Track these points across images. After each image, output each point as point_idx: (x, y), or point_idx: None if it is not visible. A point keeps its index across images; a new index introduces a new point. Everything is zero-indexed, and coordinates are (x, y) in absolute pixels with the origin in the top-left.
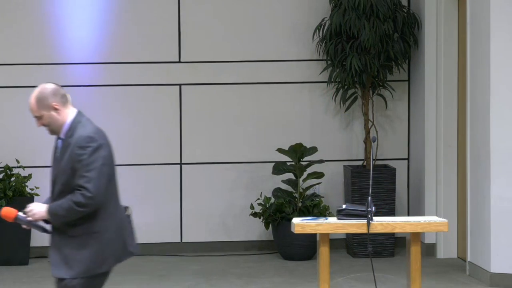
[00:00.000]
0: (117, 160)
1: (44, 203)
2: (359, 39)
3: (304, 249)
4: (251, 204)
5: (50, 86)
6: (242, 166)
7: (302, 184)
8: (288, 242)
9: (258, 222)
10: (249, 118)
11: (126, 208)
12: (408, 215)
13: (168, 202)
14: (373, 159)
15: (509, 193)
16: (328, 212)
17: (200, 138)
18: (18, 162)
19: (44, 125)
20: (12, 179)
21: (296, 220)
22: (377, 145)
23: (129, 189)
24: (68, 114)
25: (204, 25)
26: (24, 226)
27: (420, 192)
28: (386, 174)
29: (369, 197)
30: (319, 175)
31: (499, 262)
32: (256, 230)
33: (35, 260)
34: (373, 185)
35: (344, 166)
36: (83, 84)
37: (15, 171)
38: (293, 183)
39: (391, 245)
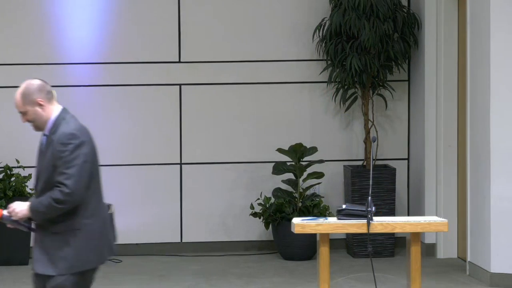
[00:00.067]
0: (118, 160)
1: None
2: (359, 39)
3: (304, 249)
4: (251, 204)
5: (36, 82)
6: (242, 166)
7: (302, 184)
8: (288, 242)
9: (258, 222)
10: (249, 118)
11: (109, 206)
12: (408, 215)
13: (168, 202)
14: (373, 159)
15: (509, 193)
16: (328, 212)
17: (200, 138)
18: (18, 162)
19: (28, 120)
20: (12, 179)
21: (296, 220)
22: (377, 145)
23: (129, 189)
24: (53, 110)
25: (204, 25)
26: (9, 226)
27: (420, 192)
28: (386, 174)
29: (369, 197)
30: (319, 175)
31: (499, 262)
32: (256, 230)
33: None
34: (373, 185)
35: (344, 166)
36: (83, 84)
37: (15, 171)
38: (293, 183)
39: (391, 245)
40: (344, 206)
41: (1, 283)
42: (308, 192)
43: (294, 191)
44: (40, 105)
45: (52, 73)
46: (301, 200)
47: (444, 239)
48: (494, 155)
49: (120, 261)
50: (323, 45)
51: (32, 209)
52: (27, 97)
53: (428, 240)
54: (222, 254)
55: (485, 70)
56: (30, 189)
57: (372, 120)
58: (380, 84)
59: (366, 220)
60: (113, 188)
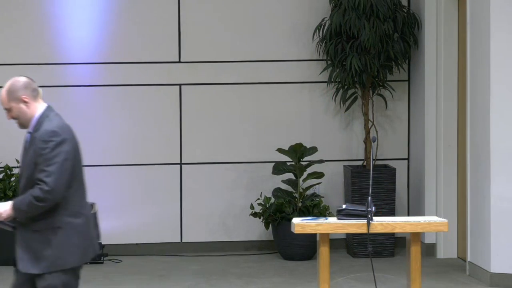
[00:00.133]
0: (118, 160)
1: None
2: (359, 39)
3: (304, 249)
4: (251, 204)
5: (22, 79)
6: (242, 166)
7: (302, 184)
8: (288, 242)
9: (258, 222)
10: (249, 118)
11: (92, 205)
12: (408, 215)
13: (168, 202)
14: (373, 159)
15: (509, 193)
16: (328, 212)
17: (200, 138)
18: (18, 162)
19: (13, 117)
20: (12, 179)
21: (296, 220)
22: (377, 145)
23: (129, 189)
24: (37, 108)
25: (204, 25)
26: None
27: (420, 192)
28: (386, 174)
29: (369, 197)
30: (319, 175)
31: (499, 262)
32: (256, 230)
33: None
34: (373, 185)
35: (344, 166)
36: (83, 84)
37: (15, 171)
38: (293, 183)
39: (391, 245)
40: (344, 206)
41: (1, 283)
42: (308, 192)
43: (294, 191)
44: (25, 102)
45: (52, 73)
46: (301, 200)
47: (444, 239)
48: (494, 155)
49: (120, 261)
50: (323, 45)
51: (15, 208)
52: (12, 94)
53: (428, 240)
54: (222, 254)
55: (485, 70)
56: None
57: (372, 120)
58: (380, 84)
59: (366, 220)
60: (113, 188)
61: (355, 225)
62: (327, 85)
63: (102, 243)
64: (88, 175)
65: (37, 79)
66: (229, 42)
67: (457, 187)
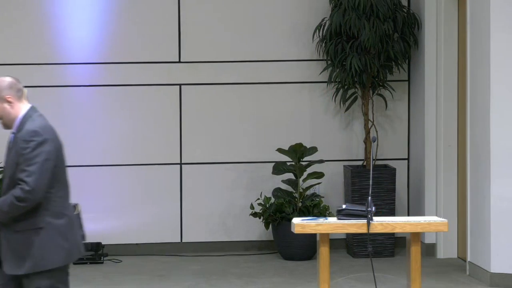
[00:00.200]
0: (118, 160)
1: None
2: (359, 39)
3: (304, 249)
4: (251, 204)
5: (7, 79)
6: (242, 166)
7: (302, 184)
8: (288, 242)
9: (258, 222)
10: (249, 118)
11: (75, 206)
12: (408, 215)
13: (168, 202)
14: (373, 159)
15: (509, 193)
16: (328, 212)
17: (200, 138)
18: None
19: None
20: None
21: (296, 220)
22: (377, 145)
23: (129, 189)
24: (21, 108)
25: (204, 25)
26: None
27: (420, 192)
28: (386, 174)
29: (369, 197)
30: (319, 175)
31: (499, 262)
32: (256, 230)
33: None
34: (373, 185)
35: (344, 166)
36: (83, 84)
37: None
38: (293, 183)
39: (391, 245)
40: (344, 206)
41: None
42: (308, 192)
43: (294, 191)
44: (9, 102)
45: (52, 73)
46: (301, 200)
47: (444, 239)
48: (494, 155)
49: (120, 261)
50: (323, 45)
51: None
52: None
53: (428, 240)
54: (222, 254)
55: (485, 70)
56: None
57: (372, 120)
58: (380, 84)
59: (366, 220)
60: (114, 188)
61: (355, 225)
62: (327, 85)
63: (102, 243)
64: (88, 175)
65: (37, 79)
66: (229, 42)
67: (457, 187)
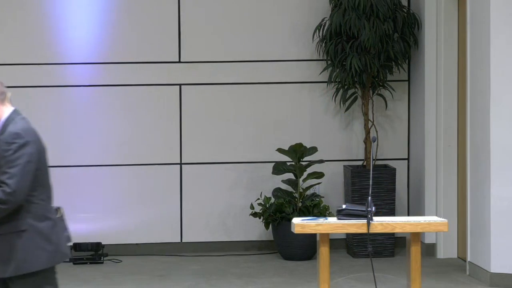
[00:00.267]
0: (118, 160)
1: None
2: (359, 39)
3: (304, 249)
4: (251, 204)
5: None
6: (242, 166)
7: (302, 184)
8: (288, 242)
9: (258, 222)
10: (249, 118)
11: (57, 209)
12: (408, 215)
13: (168, 202)
14: (373, 159)
15: (509, 193)
16: (328, 212)
17: (200, 138)
18: None
19: None
20: None
21: (296, 220)
22: (377, 145)
23: (129, 189)
24: (4, 112)
25: (204, 25)
26: None
27: (420, 192)
28: (386, 174)
29: (369, 197)
30: (319, 175)
31: (499, 262)
32: (256, 230)
33: None
34: (373, 185)
35: (344, 166)
36: (83, 84)
37: None
38: (293, 183)
39: (391, 245)
40: (344, 206)
41: None
42: (308, 192)
43: (294, 191)
44: None
45: (52, 73)
46: (301, 200)
47: (444, 239)
48: (494, 155)
49: (120, 261)
50: (323, 45)
51: None
52: None
53: (428, 240)
54: (222, 254)
55: (485, 70)
56: None
57: (372, 120)
58: (380, 84)
59: (366, 220)
60: (114, 188)
61: (355, 225)
62: (327, 85)
63: (102, 243)
64: (88, 175)
65: (37, 79)
66: (229, 42)
67: (457, 187)
